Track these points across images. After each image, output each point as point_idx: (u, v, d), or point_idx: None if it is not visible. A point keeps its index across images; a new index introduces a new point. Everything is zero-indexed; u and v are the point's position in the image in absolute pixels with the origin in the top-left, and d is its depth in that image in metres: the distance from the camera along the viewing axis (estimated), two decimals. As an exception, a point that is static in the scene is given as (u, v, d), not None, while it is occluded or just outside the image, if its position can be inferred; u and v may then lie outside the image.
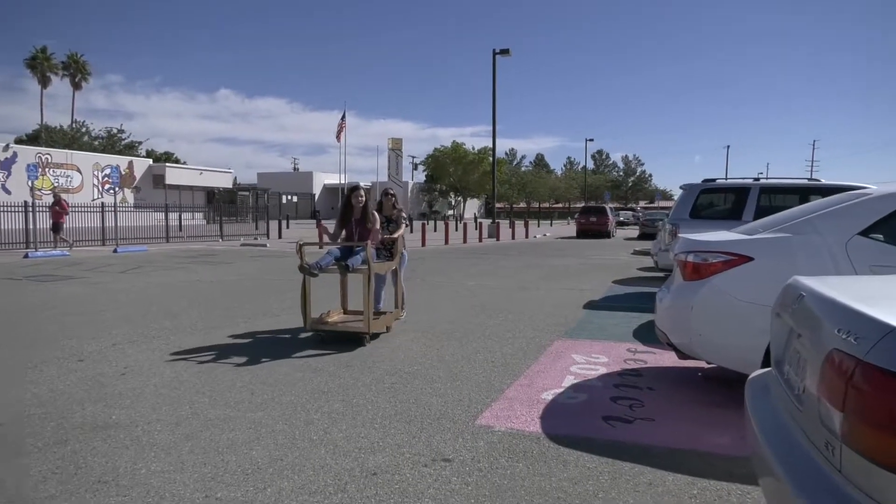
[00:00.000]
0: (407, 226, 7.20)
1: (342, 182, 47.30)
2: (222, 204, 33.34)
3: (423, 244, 21.51)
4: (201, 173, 44.01)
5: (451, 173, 70.91)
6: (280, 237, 26.37)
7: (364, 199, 6.62)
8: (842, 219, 3.98)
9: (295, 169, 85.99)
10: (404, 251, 7.07)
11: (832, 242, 3.89)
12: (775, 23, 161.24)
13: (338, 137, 47.94)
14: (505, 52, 29.35)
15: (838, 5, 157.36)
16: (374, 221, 6.55)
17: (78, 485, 2.99)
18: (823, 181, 9.50)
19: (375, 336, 6.24)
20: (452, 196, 75.20)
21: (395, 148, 48.37)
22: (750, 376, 2.60)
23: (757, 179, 9.54)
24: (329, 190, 65.05)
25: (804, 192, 8.82)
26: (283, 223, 29.29)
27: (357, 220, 6.60)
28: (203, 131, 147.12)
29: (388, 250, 6.78)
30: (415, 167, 75.37)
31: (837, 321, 1.70)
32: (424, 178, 74.80)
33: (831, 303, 1.82)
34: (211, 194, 43.69)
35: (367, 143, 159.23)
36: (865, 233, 3.91)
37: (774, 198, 9.05)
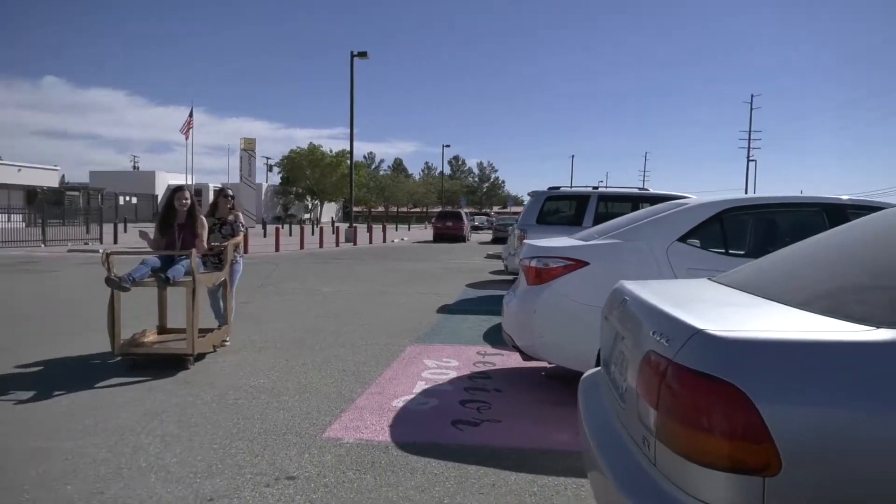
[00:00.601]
0: (243, 231, 6.57)
1: (189, 182, 44.41)
2: (46, 205, 29.91)
3: (278, 249, 20.76)
4: (20, 170, 39.33)
5: (307, 176, 69.23)
6: (115, 242, 24.09)
7: (189, 201, 5.88)
8: (663, 226, 4.36)
9: (135, 167, 79.27)
10: (240, 260, 6.46)
11: (655, 248, 4.25)
12: (616, 36, 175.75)
13: (185, 135, 44.96)
14: (363, 54, 29.23)
15: (673, 18, 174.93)
16: (202, 227, 5.86)
17: None
18: (651, 191, 10.44)
19: (201, 357, 5.53)
20: (309, 199, 73.49)
21: (248, 148, 46.35)
22: (583, 375, 2.74)
23: (596, 188, 10.26)
24: (174, 191, 60.73)
25: (635, 201, 9.61)
26: (121, 226, 26.83)
27: (181, 224, 5.84)
28: (24, 123, 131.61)
29: (218, 258, 6.13)
30: (269, 169, 72.92)
31: (653, 324, 1.82)
32: (280, 181, 72.42)
33: (648, 306, 1.95)
34: (32, 194, 39.11)
35: (217, 141, 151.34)
36: (683, 239, 4.31)
37: (610, 205, 9.77)
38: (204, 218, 6.03)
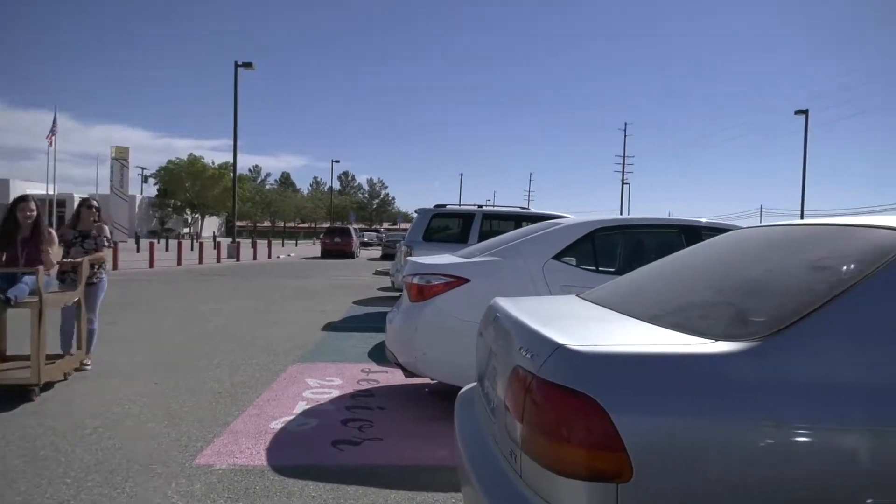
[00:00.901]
0: (110, 247, 6.05)
1: (50, 192, 40.78)
2: None
3: (152, 265, 19.51)
4: None
5: (187, 188, 65.84)
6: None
7: (35, 212, 5.32)
8: (539, 245, 4.56)
9: (-13, 175, 71.74)
10: (104, 277, 5.95)
11: (532, 265, 4.43)
12: (502, 59, 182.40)
13: (49, 140, 41.30)
14: (248, 64, 28.35)
15: (555, 42, 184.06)
16: (50, 241, 5.32)
17: None
18: (532, 210, 10.88)
19: (49, 386, 4.97)
20: (189, 213, 69.85)
21: (120, 157, 43.44)
22: (460, 391, 2.79)
23: (481, 206, 10.55)
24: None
25: (517, 219, 9.98)
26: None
27: (25, 238, 5.25)
28: None
29: (93, 270, 5.72)
30: (144, 180, 68.59)
31: (520, 339, 1.89)
32: (156, 193, 68.32)
33: (517, 322, 2.02)
34: None
35: (85, 150, 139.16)
36: (558, 257, 4.53)
37: (494, 223, 10.08)
38: (53, 231, 5.48)
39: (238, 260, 25.69)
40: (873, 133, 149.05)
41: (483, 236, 8.98)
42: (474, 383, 2.79)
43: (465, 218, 10.15)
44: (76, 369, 5.50)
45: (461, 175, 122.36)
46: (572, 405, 1.57)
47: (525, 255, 4.52)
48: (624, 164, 67.13)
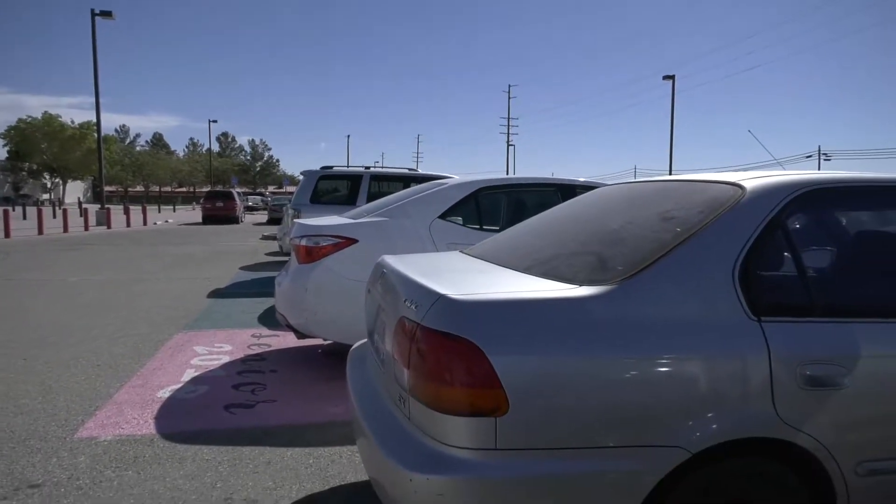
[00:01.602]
0: None
1: None
2: None
3: (8, 235, 17.79)
4: None
5: (43, 150, 59.85)
6: None
7: None
8: (426, 205, 4.70)
9: None
10: None
11: (419, 225, 4.57)
12: (389, 18, 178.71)
13: None
14: (107, 14, 25.85)
15: (444, 5, 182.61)
16: None
17: None
18: (420, 171, 11.00)
19: None
20: (48, 177, 63.75)
21: (-39, 115, 38.61)
22: (351, 348, 2.90)
23: (368, 168, 10.51)
24: None
25: (406, 180, 10.05)
26: None
27: None
28: None
29: None
30: (-9, 141, 61.58)
31: (406, 292, 2.01)
32: (6, 156, 61.60)
33: (402, 277, 2.15)
34: None
35: None
36: (444, 216, 4.69)
37: (383, 185, 10.10)
38: None
39: (109, 228, 23.94)
40: (741, 96, 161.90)
41: (371, 198, 8.99)
42: (364, 340, 2.91)
43: (353, 180, 10.09)
44: None
45: (348, 137, 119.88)
46: (454, 349, 1.72)
47: (412, 215, 4.65)
48: (509, 126, 68.74)
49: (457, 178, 6.15)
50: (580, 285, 1.87)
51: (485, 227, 4.85)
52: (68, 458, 3.16)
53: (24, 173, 62.03)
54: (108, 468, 3.05)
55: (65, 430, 3.51)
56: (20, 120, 60.38)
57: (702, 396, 1.76)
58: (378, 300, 2.43)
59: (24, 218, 26.55)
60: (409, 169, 11.40)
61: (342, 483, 2.96)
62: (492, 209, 5.27)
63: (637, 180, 2.96)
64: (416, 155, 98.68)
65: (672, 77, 36.40)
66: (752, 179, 2.11)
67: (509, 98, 69.44)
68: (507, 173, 49.80)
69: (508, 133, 68.62)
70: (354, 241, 4.46)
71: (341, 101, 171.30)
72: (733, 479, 1.81)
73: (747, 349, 1.78)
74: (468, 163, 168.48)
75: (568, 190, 5.13)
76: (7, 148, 61.11)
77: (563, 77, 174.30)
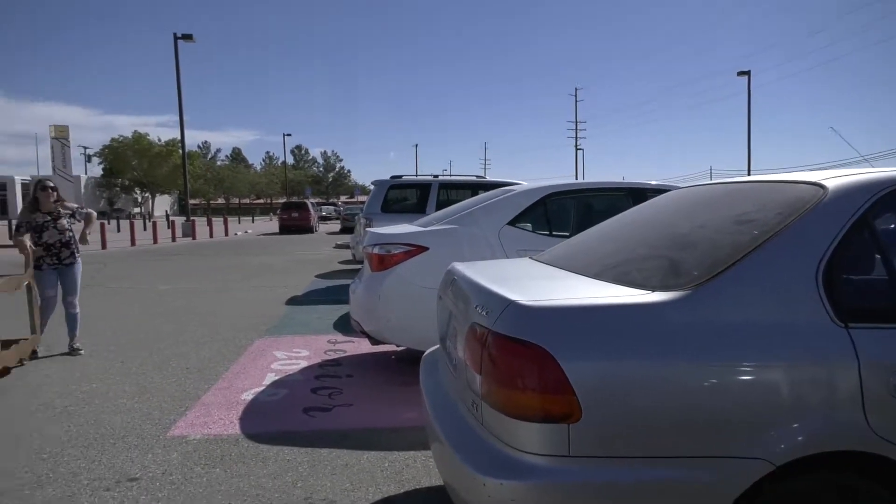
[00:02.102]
0: (79, 220, 5.85)
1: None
2: None
3: (105, 247, 19.05)
4: None
5: (134, 167, 63.77)
6: None
7: None
8: (494, 212, 4.74)
9: (-87, 158, 67.95)
10: (78, 257, 5.81)
11: (488, 232, 4.61)
12: (455, 27, 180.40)
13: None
14: (188, 37, 27.33)
15: (506, 11, 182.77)
16: None
17: None
18: (487, 178, 11.05)
19: (6, 372, 4.97)
20: (138, 192, 67.81)
21: (61, 136, 41.83)
22: (424, 354, 2.96)
23: (437, 176, 10.65)
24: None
25: (474, 188, 10.12)
26: None
27: None
28: None
29: (58, 257, 5.60)
30: (88, 159, 66.11)
31: (476, 298, 2.05)
32: (102, 172, 65.96)
33: (473, 283, 2.19)
34: None
35: (21, 129, 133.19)
36: (513, 223, 4.71)
37: (451, 193, 10.21)
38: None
39: (194, 238, 25.24)
40: (819, 90, 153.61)
41: (440, 206, 9.11)
42: (437, 346, 2.96)
43: (422, 188, 10.25)
44: (68, 354, 5.50)
45: (416, 146, 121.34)
46: (524, 355, 1.74)
47: (481, 222, 4.69)
48: (577, 129, 67.74)
49: (525, 184, 6.16)
50: (653, 291, 1.85)
51: (554, 233, 4.83)
52: (162, 454, 3.37)
53: (117, 189, 66.22)
54: (197, 465, 3.23)
55: (158, 429, 3.75)
56: (113, 139, 64.68)
57: (786, 406, 1.70)
58: (449, 306, 2.48)
59: (118, 231, 28.37)
60: (477, 176, 11.47)
61: (417, 487, 3.02)
62: (561, 215, 5.24)
63: (711, 182, 2.89)
64: (483, 162, 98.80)
65: (747, 73, 34.94)
66: (833, 178, 2.03)
67: (576, 101, 68.46)
68: (577, 178, 49.09)
69: (577, 137, 67.66)
70: (425, 248, 4.54)
71: (409, 110, 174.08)
72: (818, 494, 1.73)
73: (834, 356, 1.71)
74: (536, 168, 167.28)
75: (639, 193, 5.04)
76: (102, 165, 65.45)
77: (631, 77, 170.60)
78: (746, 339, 1.73)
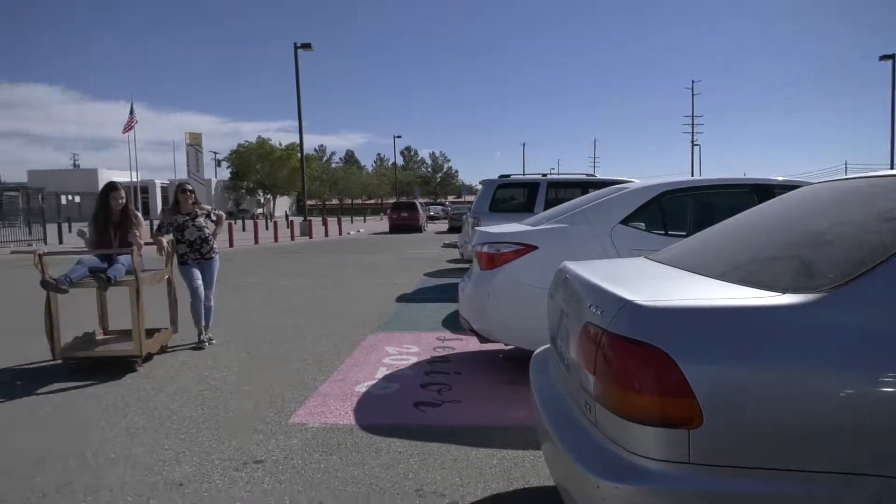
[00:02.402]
0: (213, 220, 6.29)
1: (133, 180, 43.13)
2: (-21, 206, 28.63)
3: (231, 245, 20.49)
4: (-50, 171, 37.38)
5: (257, 170, 68.11)
6: (60, 242, 23.37)
7: (124, 198, 5.72)
8: (606, 210, 4.61)
9: (75, 166, 76.47)
10: (216, 255, 6.26)
11: (600, 231, 4.50)
12: (564, 25, 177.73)
13: (130, 127, 43.45)
14: (307, 46, 28.85)
15: (620, 7, 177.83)
16: (138, 224, 5.70)
17: None
18: (598, 176, 10.78)
19: (149, 358, 5.41)
20: (261, 194, 72.32)
21: (195, 143, 45.31)
22: (534, 353, 2.94)
23: (545, 175, 10.53)
24: (119, 189, 59.14)
25: (584, 186, 9.92)
26: (65, 226, 26.01)
27: (116, 222, 5.66)
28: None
29: (199, 252, 6.03)
30: (218, 164, 71.27)
31: (590, 298, 2.01)
32: (229, 176, 70.99)
33: (585, 283, 2.15)
34: (-36, 196, 37.24)
35: (161, 137, 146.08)
36: (626, 221, 4.57)
37: (560, 191, 10.06)
38: (140, 215, 5.90)
39: (311, 237, 26.57)
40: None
41: (549, 205, 9.01)
42: (547, 345, 2.94)
43: (530, 187, 10.18)
44: (196, 346, 5.93)
45: (523, 145, 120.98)
46: (641, 356, 1.69)
47: (592, 220, 4.59)
48: (693, 124, 64.57)
49: (638, 181, 5.95)
50: (783, 292, 1.73)
51: (670, 232, 4.63)
52: (284, 440, 3.58)
53: (242, 191, 71.03)
54: (316, 451, 3.41)
55: (280, 416, 3.99)
56: (239, 145, 69.49)
57: None
58: (561, 306, 2.45)
59: (244, 230, 30.43)
60: (587, 174, 11.22)
61: (526, 486, 3.02)
62: (677, 213, 5.01)
63: (847, 177, 2.65)
64: (592, 160, 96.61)
65: (891, 56, 31.74)
66: None
67: (692, 95, 65.32)
68: (693, 175, 46.79)
69: (693, 132, 64.51)
70: (534, 247, 4.51)
71: (515, 109, 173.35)
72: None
73: None
74: (650, 165, 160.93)
75: (764, 190, 4.72)
76: (230, 169, 70.44)
77: (751, 68, 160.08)
78: (889, 347, 1.58)
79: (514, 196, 10.79)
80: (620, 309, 1.78)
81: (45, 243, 22.86)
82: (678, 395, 1.63)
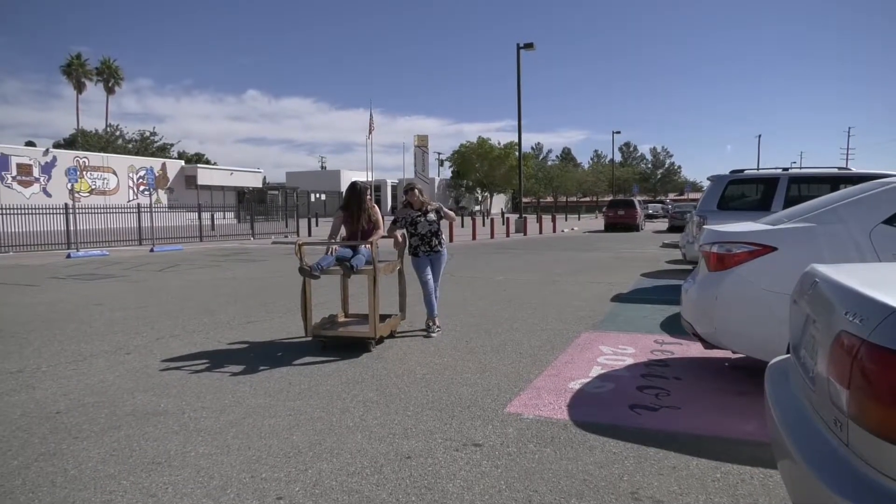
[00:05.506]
0: (442, 217, 6.70)
1: (369, 179, 47.66)
2: (253, 203, 33.91)
3: (451, 240, 21.67)
4: (231, 174, 44.72)
5: (477, 169, 70.87)
6: (310, 234, 26.81)
7: (370, 198, 6.35)
8: (866, 207, 4.01)
9: (322, 167, 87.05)
10: (443, 249, 6.64)
11: (856, 231, 3.92)
12: (804, 9, 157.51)
13: (370, 132, 48.14)
14: (529, 46, 29.33)
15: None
16: (378, 220, 6.24)
17: (134, 465, 3.21)
18: (854, 170, 9.39)
19: (381, 340, 5.93)
20: (479, 191, 75.19)
21: (422, 145, 48.59)
22: (770, 363, 2.69)
23: (786, 170, 9.46)
24: (356, 187, 66.07)
25: (834, 182, 8.73)
26: (313, 221, 29.83)
27: (361, 219, 6.23)
28: (232, 132, 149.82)
29: (429, 245, 6.46)
30: (441, 163, 75.63)
31: (846, 304, 1.79)
32: (451, 174, 74.93)
33: (841, 287, 1.91)
34: (241, 194, 44.41)
35: (393, 140, 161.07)
36: (890, 221, 3.93)
37: (804, 188, 8.98)
38: (377, 208, 6.44)
39: (525, 234, 27.02)
40: None
41: (789, 202, 8.08)
42: (784, 356, 2.66)
43: (768, 183, 9.21)
44: (426, 334, 6.38)
45: (759, 137, 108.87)
46: (910, 372, 1.47)
47: (846, 219, 4.02)
48: None
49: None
50: None
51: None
52: (500, 427, 3.72)
53: (462, 189, 74.52)
54: (530, 442, 3.49)
55: (497, 404, 4.15)
56: (461, 145, 72.91)
57: None
58: (807, 312, 2.21)
59: (462, 226, 31.93)
60: (839, 168, 9.86)
61: (754, 505, 2.77)
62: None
63: None
64: (844, 151, 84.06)
65: None
66: None
67: None
68: None
69: None
70: (773, 248, 4.10)
71: (749, 98, 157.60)
72: None
73: None
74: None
75: None
76: (451, 168, 74.36)
77: None
78: None
79: (747, 193, 9.89)
80: (886, 318, 1.56)
81: (298, 235, 26.39)
82: None
